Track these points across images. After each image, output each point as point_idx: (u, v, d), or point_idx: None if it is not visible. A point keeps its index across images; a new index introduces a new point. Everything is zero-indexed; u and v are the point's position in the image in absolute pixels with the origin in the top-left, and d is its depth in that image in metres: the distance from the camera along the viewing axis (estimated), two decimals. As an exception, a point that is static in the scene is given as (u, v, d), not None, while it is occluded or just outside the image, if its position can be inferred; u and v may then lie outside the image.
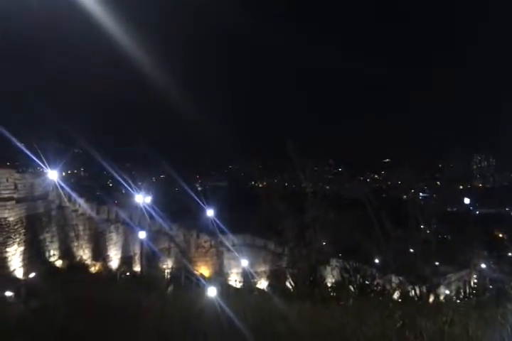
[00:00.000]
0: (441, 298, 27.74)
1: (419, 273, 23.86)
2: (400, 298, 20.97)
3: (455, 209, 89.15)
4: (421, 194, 34.25)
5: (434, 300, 22.69)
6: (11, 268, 23.51)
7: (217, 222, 42.36)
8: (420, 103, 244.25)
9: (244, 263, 41.31)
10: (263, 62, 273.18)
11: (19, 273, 24.07)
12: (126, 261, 35.51)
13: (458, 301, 21.73)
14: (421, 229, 26.89)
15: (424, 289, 24.32)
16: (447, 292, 34.20)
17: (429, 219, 26.24)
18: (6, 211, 23.96)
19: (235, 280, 41.65)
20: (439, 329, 6.35)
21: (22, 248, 25.01)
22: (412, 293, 23.07)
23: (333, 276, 26.19)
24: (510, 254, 60.00)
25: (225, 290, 24.18)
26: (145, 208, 35.23)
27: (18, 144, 33.36)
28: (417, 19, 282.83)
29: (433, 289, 24.30)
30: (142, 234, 30.66)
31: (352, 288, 19.51)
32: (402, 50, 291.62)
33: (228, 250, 42.94)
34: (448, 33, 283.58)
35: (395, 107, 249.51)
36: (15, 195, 25.39)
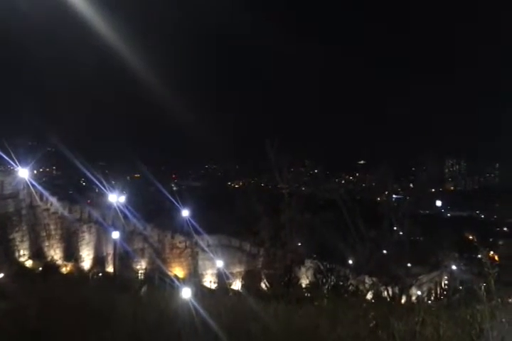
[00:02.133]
0: (413, 298, 28.25)
1: (392, 274, 24.22)
2: (373, 298, 21.26)
3: (427, 211, 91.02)
4: (394, 196, 34.76)
5: (406, 301, 23.08)
6: (-21, 269, 22.87)
7: (193, 222, 42.10)
8: (395, 106, 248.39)
9: (220, 264, 41.19)
10: (241, 60, 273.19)
11: (-13, 273, 23.42)
12: (99, 261, 34.96)
13: (429, 302, 22.18)
14: (394, 230, 27.31)
15: (396, 290, 24.70)
16: (419, 293, 34.85)
17: (402, 220, 26.66)
18: (-26, 209, 23.32)
19: (209, 281, 41.49)
20: (410, 330, 6.46)
21: (-10, 247, 24.38)
22: (385, 293, 23.43)
23: (308, 277, 26.38)
24: (479, 256, 61.50)
25: (200, 291, 24.04)
26: (119, 208, 34.74)
27: (-13, 141, 32.50)
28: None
29: (405, 290, 24.72)
30: (116, 234, 30.23)
31: (326, 289, 19.69)
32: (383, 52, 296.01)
33: (203, 251, 42.75)
34: (427, 38, 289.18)
35: (370, 109, 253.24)
36: (-16, 193, 24.76)
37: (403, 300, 23.35)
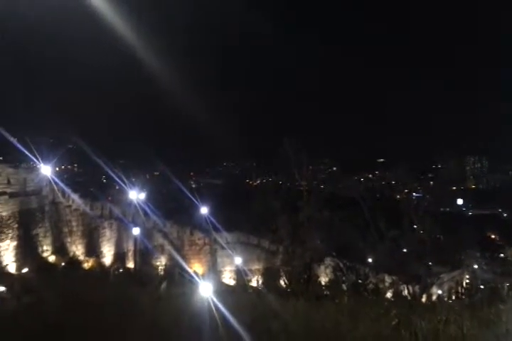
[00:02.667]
0: (434, 297, 27.89)
1: (413, 272, 23.94)
2: (392, 297, 21.06)
3: (448, 209, 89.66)
4: (414, 194, 34.32)
5: (426, 300, 22.79)
6: (4, 263, 23.38)
7: (211, 219, 42.29)
8: (415, 103, 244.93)
9: (238, 260, 41.31)
10: (261, 61, 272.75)
11: (12, 268, 23.94)
12: (120, 257, 35.40)
13: (450, 301, 21.86)
14: (414, 229, 26.98)
15: (417, 289, 24.43)
16: (440, 292, 34.39)
17: (422, 219, 26.31)
18: (-1, 206, 23.83)
19: (228, 277, 41.67)
20: (433, 328, 6.38)
21: (15, 243, 24.87)
22: (405, 292, 23.17)
23: (327, 275, 26.27)
24: (501, 255, 60.46)
25: (219, 287, 24.17)
26: (139, 205, 35.11)
27: (12, 139, 33.14)
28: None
29: (426, 289, 24.41)
30: (136, 231, 30.56)
31: (345, 287, 19.58)
32: (397, 50, 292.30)
33: (222, 247, 42.92)
34: (435, 33, 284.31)
35: (390, 107, 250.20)
36: (8, 190, 25.25)
37: (424, 299, 23.05)
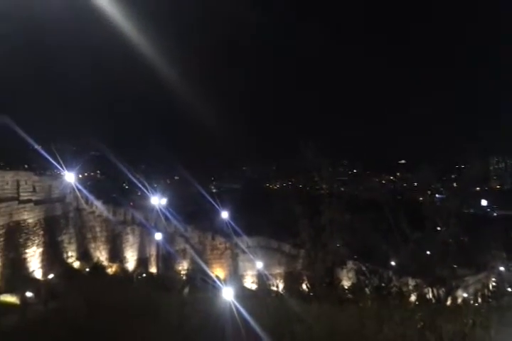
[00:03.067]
0: (459, 300, 27.37)
1: (437, 275, 23.55)
2: (417, 300, 20.76)
3: (472, 210, 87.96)
4: (437, 195, 33.79)
5: (451, 303, 22.39)
6: (31, 269, 23.86)
7: (232, 223, 42.39)
8: (437, 104, 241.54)
9: (259, 265, 41.27)
10: (278, 64, 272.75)
11: (38, 273, 24.42)
12: (143, 262, 35.76)
13: (476, 304, 21.43)
14: (438, 230, 26.56)
15: (441, 292, 24.02)
16: (465, 295, 33.71)
17: (446, 220, 25.90)
18: (25, 213, 24.36)
19: (250, 282, 41.65)
20: (460, 332, 6.29)
21: (41, 249, 25.38)
22: (430, 295, 22.81)
23: (349, 278, 26.03)
24: (529, 257, 58.91)
25: (241, 292, 24.19)
26: (160, 210, 35.43)
27: (36, 147, 33.93)
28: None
29: (451, 292, 23.98)
30: (158, 236, 30.85)
31: (368, 291, 19.39)
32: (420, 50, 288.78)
33: (243, 252, 42.95)
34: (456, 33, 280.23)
35: (411, 107, 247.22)
36: (33, 198, 25.81)
37: (448, 302, 22.67)
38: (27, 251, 23.90)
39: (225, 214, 42.42)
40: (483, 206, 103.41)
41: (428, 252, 26.45)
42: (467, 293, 35.18)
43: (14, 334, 10.70)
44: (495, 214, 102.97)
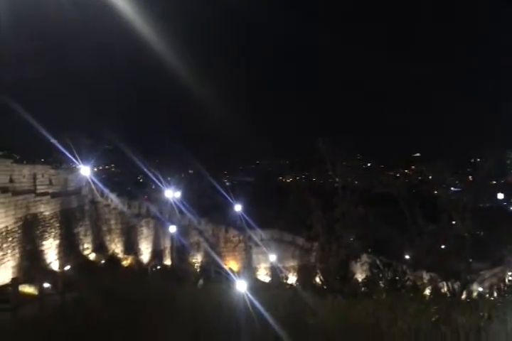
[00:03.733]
0: (475, 294, 27.15)
1: (452, 269, 23.38)
2: (431, 294, 20.65)
3: (488, 204, 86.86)
4: (452, 189, 33.44)
5: (466, 297, 22.23)
6: (48, 261, 24.24)
7: (245, 217, 42.55)
8: (452, 97, 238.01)
9: (273, 258, 41.41)
10: (291, 59, 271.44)
11: (55, 265, 24.80)
12: (157, 254, 36.12)
13: (492, 298, 21.23)
14: (453, 224, 26.32)
15: (456, 285, 23.86)
16: (480, 289, 33.44)
17: (461, 214, 25.64)
18: (42, 205, 24.68)
19: (263, 274, 41.85)
20: (475, 325, 6.25)
21: (57, 241, 25.75)
22: (444, 289, 22.67)
23: (363, 272, 25.99)
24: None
25: (254, 284, 24.31)
26: (174, 203, 35.71)
27: (52, 141, 34.34)
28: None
29: (466, 286, 23.81)
30: (172, 229, 31.11)
31: (382, 284, 19.35)
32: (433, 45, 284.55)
33: (256, 245, 43.11)
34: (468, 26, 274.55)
35: (426, 101, 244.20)
36: (50, 190, 26.15)
37: (463, 296, 22.49)
38: (44, 243, 24.26)
39: (238, 208, 42.60)
40: (500, 199, 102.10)
41: (443, 246, 26.24)
42: (482, 287, 34.89)
43: (33, 323, 10.92)
44: (511, 208, 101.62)
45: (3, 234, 19.55)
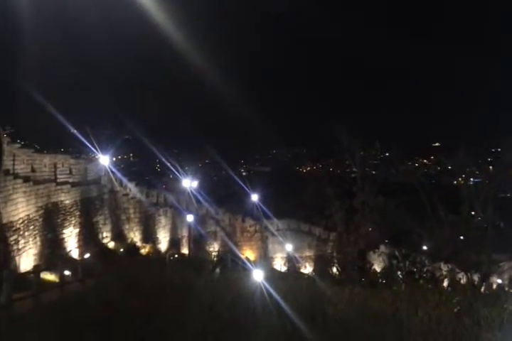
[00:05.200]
0: (494, 286, 26.81)
1: (472, 260, 23.07)
2: (450, 285, 20.43)
3: (509, 195, 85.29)
4: (473, 179, 32.84)
5: (486, 289, 21.96)
6: (68, 249, 24.69)
7: (262, 206, 42.63)
8: (471, 85, 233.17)
9: (289, 247, 41.48)
10: (305, 48, 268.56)
11: (75, 253, 25.25)
12: (175, 243, 36.51)
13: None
14: (473, 215, 25.91)
15: (476, 277, 23.57)
16: (499, 281, 32.99)
17: (481, 205, 25.21)
18: (63, 194, 25.08)
19: (279, 264, 41.98)
20: (498, 317, 6.15)
21: (77, 230, 26.18)
22: (464, 280, 22.41)
23: (381, 262, 25.84)
24: None
25: (271, 274, 24.37)
26: (192, 192, 35.92)
27: (72, 130, 34.76)
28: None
29: (486, 277, 23.49)
30: (190, 218, 31.36)
31: (401, 275, 19.20)
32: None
33: (273, 235, 43.22)
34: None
35: (444, 89, 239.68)
36: (70, 180, 26.53)
37: (483, 288, 22.23)
38: (64, 231, 24.69)
39: (255, 197, 42.68)
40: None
41: (461, 237, 25.90)
42: (501, 279, 34.41)
43: (54, 309, 11.13)
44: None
45: (25, 222, 19.93)
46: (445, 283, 20.86)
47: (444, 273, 22.97)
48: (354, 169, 28.02)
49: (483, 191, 24.98)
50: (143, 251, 31.82)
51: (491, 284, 26.61)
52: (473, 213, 25.97)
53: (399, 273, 19.68)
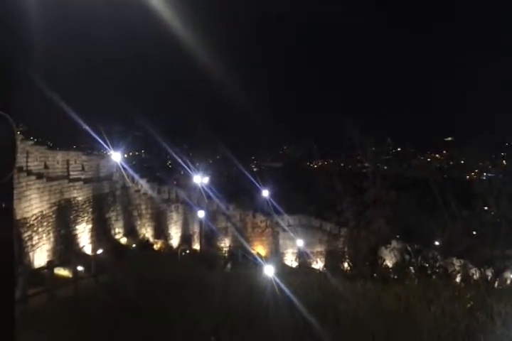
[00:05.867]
0: (508, 282, 26.54)
1: (485, 256, 22.83)
2: (463, 280, 20.29)
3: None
4: (485, 174, 32.48)
5: (499, 284, 21.75)
6: (81, 245, 24.94)
7: (273, 202, 42.62)
8: (482, 78, 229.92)
9: (300, 243, 41.46)
10: (316, 39, 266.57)
11: (88, 249, 25.50)
12: (186, 239, 36.69)
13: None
14: (486, 210, 25.62)
15: (489, 272, 23.32)
16: (512, 276, 32.66)
17: (495, 199, 24.91)
18: (75, 191, 25.31)
19: (290, 259, 42.01)
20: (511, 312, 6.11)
21: (90, 226, 26.42)
22: (476, 276, 22.21)
23: (392, 257, 25.71)
24: None
25: (282, 269, 24.41)
26: (203, 188, 36.02)
27: (84, 127, 35.02)
28: None
29: (499, 273, 23.24)
30: (201, 214, 31.49)
31: (413, 270, 19.08)
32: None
33: (284, 230, 43.22)
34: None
35: (455, 84, 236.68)
36: (82, 176, 26.76)
37: (496, 284, 22.02)
38: (77, 227, 24.94)
39: (265, 193, 42.68)
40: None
41: (474, 232, 25.64)
42: (515, 274, 34.07)
43: (68, 304, 11.26)
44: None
45: (39, 218, 20.16)
46: (458, 279, 20.70)
47: (457, 268, 22.79)
48: (366, 164, 27.83)
49: (497, 186, 24.67)
50: (155, 247, 32.05)
51: (505, 279, 26.33)
52: (486, 208, 25.69)
53: (411, 268, 19.56)
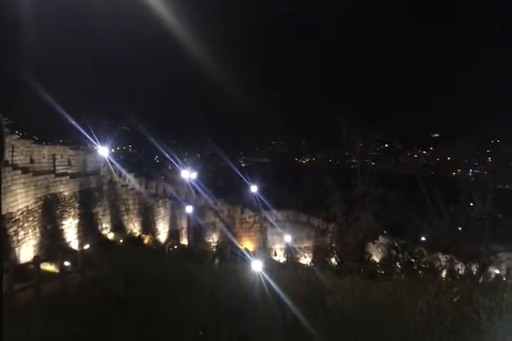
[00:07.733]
0: (492, 277, 27.00)
1: (470, 251, 23.22)
2: (448, 275, 20.59)
3: (507, 186, 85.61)
4: (471, 170, 32.91)
5: (484, 279, 22.13)
6: (68, 240, 24.72)
7: (261, 197, 42.67)
8: (468, 76, 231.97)
9: (288, 238, 41.61)
10: (305, 37, 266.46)
11: (74, 244, 25.28)
12: (174, 234, 36.56)
13: (510, 280, 21.06)
14: (471, 206, 26.02)
15: (474, 267, 23.72)
16: (497, 271, 33.22)
17: (480, 196, 25.29)
18: (61, 186, 25.02)
19: (278, 255, 42.17)
20: (497, 306, 6.20)
21: (77, 221, 26.18)
22: (462, 271, 22.56)
23: (380, 253, 25.98)
24: None
25: (269, 264, 24.49)
26: (191, 184, 35.89)
27: (71, 121, 34.64)
28: None
29: (484, 268, 23.65)
30: (189, 209, 31.34)
31: (399, 265, 19.33)
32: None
33: (272, 226, 43.32)
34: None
35: (442, 81, 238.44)
36: (69, 171, 26.47)
37: (481, 279, 22.39)
38: (63, 222, 24.68)
39: (254, 188, 42.71)
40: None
41: (460, 228, 26.01)
42: (499, 269, 34.66)
43: (56, 299, 11.19)
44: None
45: (24, 213, 19.91)
46: (444, 274, 21.00)
47: (443, 263, 23.13)
48: (354, 160, 28.02)
49: (482, 182, 25.05)
50: (142, 242, 31.88)
51: (489, 274, 26.79)
52: (471, 204, 26.06)
53: (398, 263, 19.81)
